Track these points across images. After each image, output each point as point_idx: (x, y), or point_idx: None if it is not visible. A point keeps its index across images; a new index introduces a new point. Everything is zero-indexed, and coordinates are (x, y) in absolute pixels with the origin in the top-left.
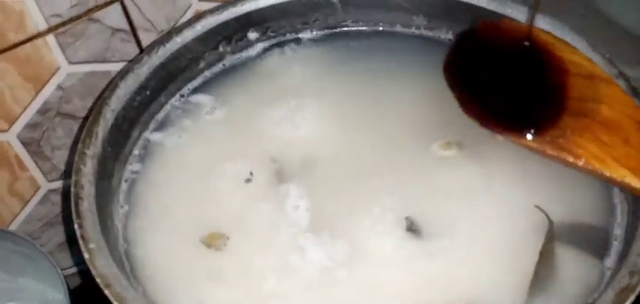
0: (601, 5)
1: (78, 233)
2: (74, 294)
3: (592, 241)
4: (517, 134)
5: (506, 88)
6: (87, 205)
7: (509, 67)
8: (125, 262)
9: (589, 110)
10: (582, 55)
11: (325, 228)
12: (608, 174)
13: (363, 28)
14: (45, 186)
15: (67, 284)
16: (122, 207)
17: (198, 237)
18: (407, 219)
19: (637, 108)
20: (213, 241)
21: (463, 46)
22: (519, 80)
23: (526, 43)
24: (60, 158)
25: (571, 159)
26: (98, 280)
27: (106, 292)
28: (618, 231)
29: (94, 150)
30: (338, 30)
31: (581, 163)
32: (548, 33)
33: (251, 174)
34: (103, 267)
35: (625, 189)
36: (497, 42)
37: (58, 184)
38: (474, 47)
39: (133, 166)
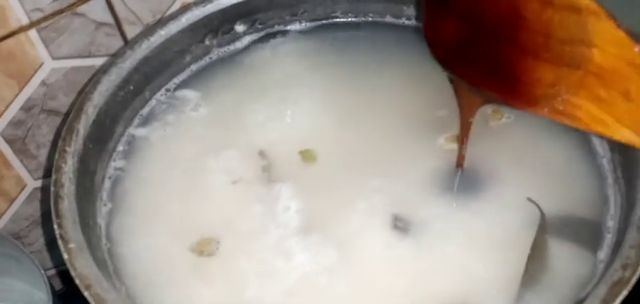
0: None
1: (57, 233)
2: (59, 295)
3: (585, 233)
4: (511, 97)
5: (493, 44)
6: (67, 204)
7: (492, 15)
8: (108, 261)
9: (580, 58)
10: None
11: (314, 230)
12: (614, 137)
13: (353, 19)
14: (31, 184)
15: (52, 286)
16: (105, 205)
17: (188, 245)
18: (394, 216)
19: (631, 45)
20: (204, 247)
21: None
22: (505, 28)
23: None
24: (46, 155)
25: (575, 124)
26: (77, 281)
27: (86, 294)
28: (611, 223)
29: (74, 147)
30: (327, 21)
31: (585, 128)
32: None
33: (238, 177)
34: (82, 268)
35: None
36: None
37: (45, 182)
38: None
39: (116, 163)
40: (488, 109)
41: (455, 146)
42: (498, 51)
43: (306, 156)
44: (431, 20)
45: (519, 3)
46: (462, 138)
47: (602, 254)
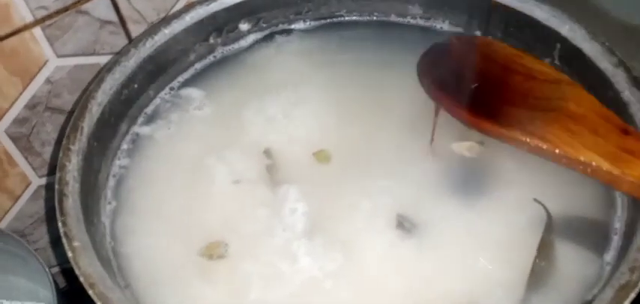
0: None
1: (61, 231)
2: (64, 292)
3: (591, 235)
4: (490, 125)
5: (476, 92)
6: (71, 202)
7: (479, 75)
8: (112, 260)
9: (557, 106)
10: (548, 65)
11: (320, 231)
12: (579, 158)
13: (357, 17)
14: (35, 181)
15: (56, 283)
16: (110, 203)
17: (196, 248)
18: (400, 217)
19: (601, 106)
20: (214, 251)
21: (436, 54)
22: (488, 85)
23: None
24: (50, 153)
25: (544, 145)
26: (82, 279)
27: (90, 292)
28: (618, 225)
29: (79, 145)
30: (331, 20)
31: (553, 148)
32: (513, 48)
33: (242, 177)
34: (87, 266)
35: (594, 175)
36: (469, 54)
37: (50, 180)
38: (447, 57)
39: (121, 161)
40: None
41: (462, 147)
42: (482, 98)
43: (321, 157)
44: (428, 56)
45: (506, 74)
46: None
47: (609, 256)
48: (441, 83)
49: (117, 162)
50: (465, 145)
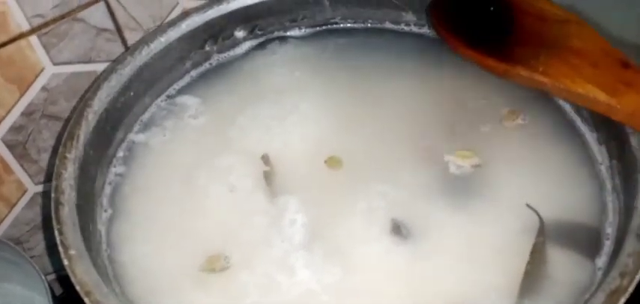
0: (585, 10)
1: (58, 239)
2: (60, 300)
3: (583, 240)
4: (494, 62)
5: (486, 30)
6: (67, 210)
7: (490, 17)
8: (108, 267)
9: (562, 42)
10: (557, 6)
11: (317, 238)
12: (577, 90)
13: (352, 25)
14: (31, 189)
15: (53, 290)
16: (106, 210)
17: (195, 263)
18: (396, 223)
19: (606, 42)
20: (214, 264)
21: None
22: (498, 25)
23: None
24: (46, 160)
25: (545, 79)
26: (78, 287)
27: (86, 300)
28: (610, 230)
29: (75, 153)
30: (326, 27)
31: (552, 82)
32: None
33: (238, 185)
34: (83, 274)
35: (592, 107)
36: None
37: (46, 187)
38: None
39: (116, 169)
40: (503, 110)
41: (457, 155)
42: (491, 38)
43: (332, 162)
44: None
45: (517, 14)
46: None
47: (601, 261)
48: (449, 23)
49: (113, 170)
50: (459, 154)
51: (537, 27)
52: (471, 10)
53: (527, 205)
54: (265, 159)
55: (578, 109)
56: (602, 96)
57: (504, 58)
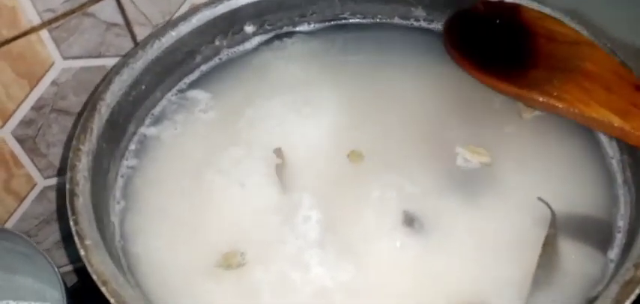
0: (589, 15)
1: (73, 229)
2: (72, 292)
3: (595, 233)
4: (509, 86)
5: (499, 53)
6: (82, 201)
7: (502, 39)
8: (122, 259)
9: (574, 66)
10: (568, 26)
11: (333, 241)
12: (592, 115)
13: (361, 20)
14: (41, 183)
15: (65, 283)
16: (118, 203)
17: (213, 262)
18: (409, 216)
19: (618, 64)
20: (231, 260)
21: (461, 19)
22: (511, 47)
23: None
24: (56, 154)
25: (559, 104)
26: (94, 277)
27: (103, 289)
28: (621, 223)
29: (88, 145)
30: (335, 23)
31: (567, 107)
32: (537, 11)
33: (248, 179)
34: (99, 264)
35: (607, 131)
36: (493, 18)
37: (55, 181)
38: (471, 20)
39: (129, 161)
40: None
41: (468, 150)
42: (504, 61)
43: (354, 156)
44: (453, 21)
45: (528, 36)
46: None
47: (613, 254)
48: (464, 47)
49: (125, 163)
50: (471, 148)
51: (549, 49)
52: (484, 32)
53: (539, 198)
54: (278, 152)
55: None
56: (616, 121)
57: (518, 81)
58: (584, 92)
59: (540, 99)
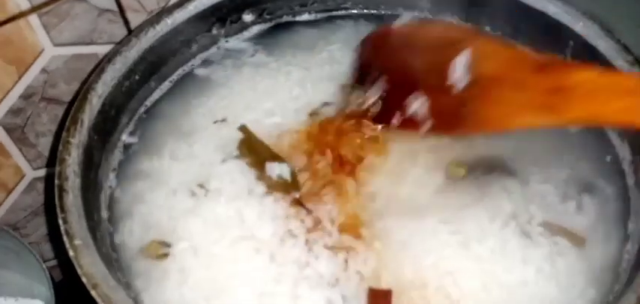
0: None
1: (62, 228)
2: (60, 287)
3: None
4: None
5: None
6: (71, 198)
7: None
8: (113, 257)
9: (474, 76)
10: (437, 23)
11: None
12: (522, 124)
13: (364, 10)
14: (30, 174)
15: (53, 278)
16: (111, 198)
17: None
18: None
19: (507, 49)
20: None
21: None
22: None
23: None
24: (45, 145)
25: (487, 128)
26: (84, 279)
27: (93, 292)
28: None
29: (79, 138)
30: (337, 13)
31: (495, 126)
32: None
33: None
34: (89, 266)
35: (549, 128)
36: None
37: (44, 172)
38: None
39: (121, 154)
40: None
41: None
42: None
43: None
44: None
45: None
46: None
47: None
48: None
49: (117, 156)
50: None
51: (435, 63)
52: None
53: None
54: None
55: None
56: (550, 120)
57: (441, 122)
58: (502, 104)
59: (460, 131)
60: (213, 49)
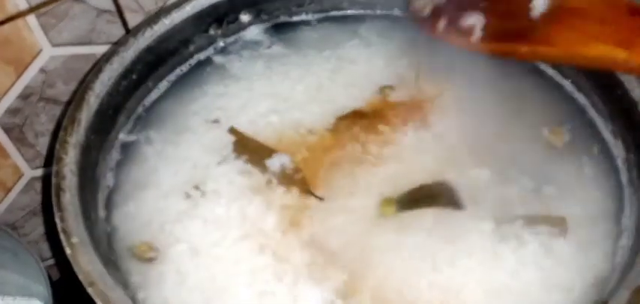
0: None
1: (59, 227)
2: (58, 286)
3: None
4: (493, 46)
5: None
6: (69, 197)
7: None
8: (110, 256)
9: (555, 7)
10: None
11: None
12: (591, 54)
13: (361, 11)
14: (28, 173)
15: (50, 277)
16: (108, 197)
17: None
18: None
19: None
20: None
21: None
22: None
23: None
24: (44, 145)
25: (552, 51)
26: (81, 277)
27: (90, 290)
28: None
29: (76, 137)
30: (334, 13)
31: (559, 50)
32: None
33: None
34: (86, 264)
35: (611, 67)
36: None
37: (42, 172)
38: None
39: (119, 154)
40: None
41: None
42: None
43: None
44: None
45: None
46: None
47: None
48: (436, 14)
49: (115, 155)
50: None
51: None
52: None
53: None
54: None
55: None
56: (620, 54)
57: (502, 38)
58: (577, 31)
59: (528, 50)
60: (211, 50)
